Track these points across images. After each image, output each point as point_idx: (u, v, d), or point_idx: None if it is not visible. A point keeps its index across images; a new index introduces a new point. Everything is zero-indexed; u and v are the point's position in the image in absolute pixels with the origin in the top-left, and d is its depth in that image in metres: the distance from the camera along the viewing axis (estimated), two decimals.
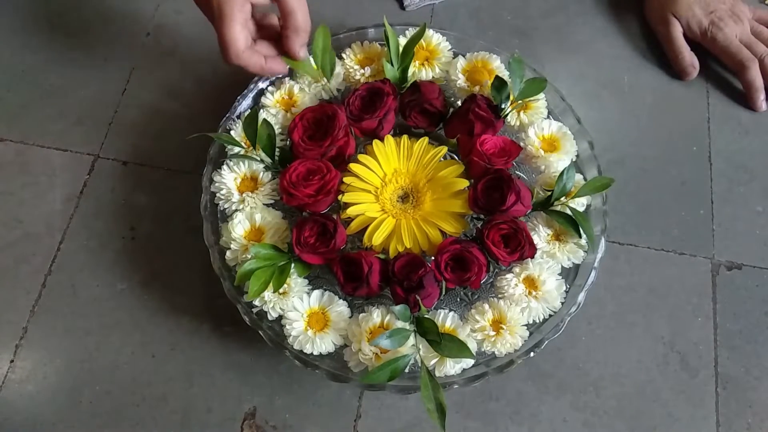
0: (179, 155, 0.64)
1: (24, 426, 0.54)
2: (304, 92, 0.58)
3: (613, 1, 0.74)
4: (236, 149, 0.55)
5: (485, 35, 0.71)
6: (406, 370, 0.49)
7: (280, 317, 0.51)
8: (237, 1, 0.50)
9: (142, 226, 0.61)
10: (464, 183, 0.54)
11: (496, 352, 0.50)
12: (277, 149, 0.55)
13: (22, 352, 0.56)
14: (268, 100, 0.58)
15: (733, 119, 0.68)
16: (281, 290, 0.50)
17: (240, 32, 0.51)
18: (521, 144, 0.56)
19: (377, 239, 0.52)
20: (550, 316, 0.52)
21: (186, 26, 0.71)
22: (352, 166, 0.55)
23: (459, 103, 0.58)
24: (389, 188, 0.55)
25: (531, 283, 0.52)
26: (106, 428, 0.54)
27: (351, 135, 0.56)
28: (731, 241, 0.62)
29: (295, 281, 0.51)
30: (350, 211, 0.53)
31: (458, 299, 0.54)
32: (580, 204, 0.55)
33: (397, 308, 0.49)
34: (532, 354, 0.51)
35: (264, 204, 0.54)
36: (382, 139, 0.56)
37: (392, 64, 0.58)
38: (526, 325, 0.51)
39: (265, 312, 0.51)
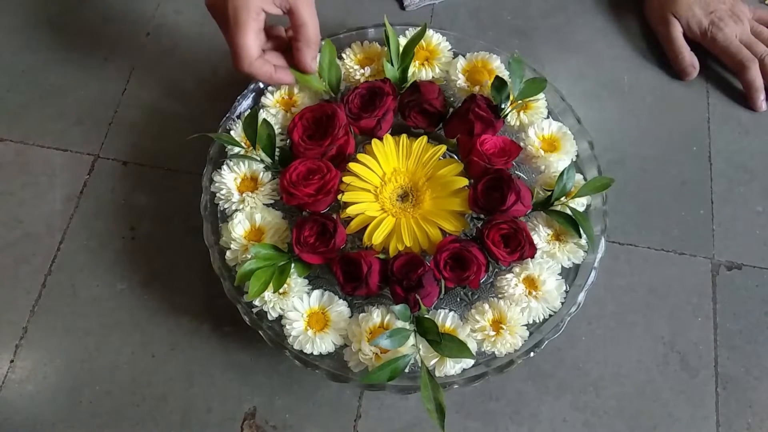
0: (179, 155, 0.64)
1: (24, 426, 0.54)
2: (304, 92, 0.59)
3: (613, 1, 0.74)
4: (236, 149, 0.55)
5: (485, 35, 0.71)
6: (406, 370, 0.49)
7: (280, 317, 0.51)
8: (252, 10, 0.50)
9: (142, 226, 0.61)
10: (463, 181, 0.54)
11: (496, 352, 0.50)
12: (277, 149, 0.55)
13: (22, 352, 0.56)
14: (268, 100, 0.58)
15: (733, 119, 0.68)
16: (281, 290, 0.50)
17: (254, 40, 0.51)
18: (521, 144, 0.56)
19: (377, 238, 0.52)
20: (550, 316, 0.52)
21: (186, 26, 0.71)
22: (352, 165, 0.55)
23: (459, 103, 0.58)
24: (389, 187, 0.55)
25: (531, 283, 0.52)
26: (106, 428, 0.54)
27: (351, 134, 0.56)
28: (731, 241, 0.62)
29: (295, 281, 0.51)
30: (350, 211, 0.53)
31: (458, 299, 0.54)
32: (580, 204, 0.55)
33: (397, 308, 0.49)
34: (532, 354, 0.51)
35: (264, 204, 0.54)
36: (380, 139, 0.56)
37: (392, 64, 0.58)
38: (526, 325, 0.51)
39: (265, 312, 0.51)
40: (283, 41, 0.56)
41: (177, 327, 0.57)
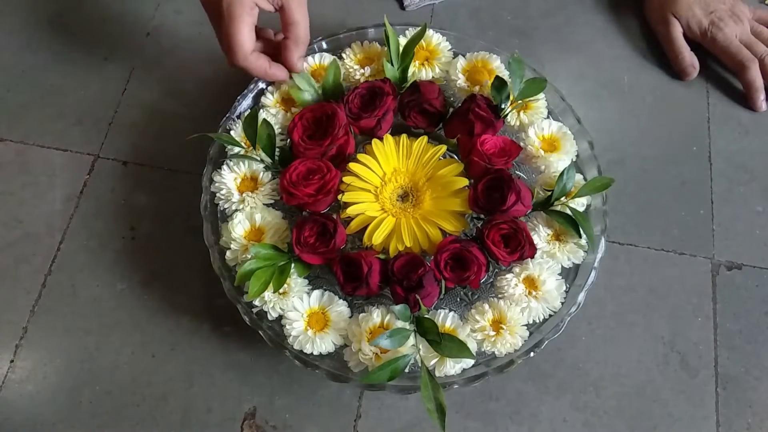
0: (179, 155, 0.64)
1: (24, 426, 0.54)
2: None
3: (613, 1, 0.74)
4: (236, 149, 0.55)
5: (485, 35, 0.71)
6: (406, 370, 0.49)
7: (280, 317, 0.51)
8: (246, 5, 0.51)
9: (142, 226, 0.61)
10: (464, 182, 0.54)
11: (496, 352, 0.50)
12: (277, 149, 0.55)
13: (22, 352, 0.56)
14: (268, 100, 0.58)
15: (733, 119, 0.68)
16: (281, 290, 0.50)
17: (248, 34, 0.51)
18: (521, 144, 0.56)
19: (377, 238, 0.52)
20: (550, 316, 0.52)
21: (186, 26, 0.71)
22: (352, 165, 0.55)
23: (459, 103, 0.58)
24: (389, 187, 0.55)
25: (531, 283, 0.52)
26: (106, 428, 0.54)
27: (351, 134, 0.56)
28: (731, 241, 0.62)
29: (295, 281, 0.51)
30: (350, 211, 0.53)
31: (458, 299, 0.54)
32: (580, 204, 0.55)
33: (397, 308, 0.49)
34: (532, 354, 0.51)
35: (264, 204, 0.54)
36: (380, 139, 0.56)
37: (392, 64, 0.58)
38: (526, 325, 0.51)
39: (265, 312, 0.51)
40: (272, 44, 0.57)
41: (177, 327, 0.57)
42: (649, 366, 0.57)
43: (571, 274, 0.54)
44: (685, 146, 0.67)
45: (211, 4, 0.52)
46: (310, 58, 0.60)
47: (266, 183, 0.54)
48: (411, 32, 0.59)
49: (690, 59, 0.68)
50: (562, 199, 0.54)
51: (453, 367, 0.49)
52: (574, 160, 0.57)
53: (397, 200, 0.55)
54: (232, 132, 0.56)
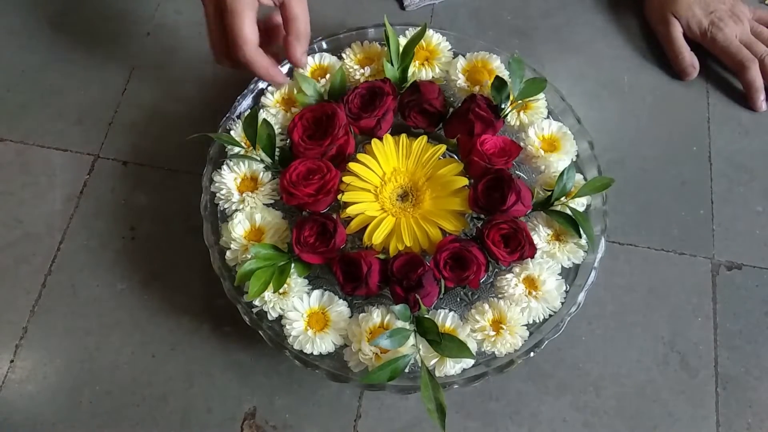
0: (179, 155, 0.64)
1: (24, 426, 0.54)
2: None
3: (613, 1, 0.74)
4: (236, 149, 0.55)
5: (485, 35, 0.71)
6: (406, 370, 0.49)
7: (280, 317, 0.51)
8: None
9: (142, 226, 0.61)
10: (463, 181, 0.54)
11: (496, 352, 0.50)
12: (277, 149, 0.55)
13: (22, 352, 0.56)
14: (268, 100, 0.58)
15: (733, 119, 0.68)
16: (281, 290, 0.50)
17: (252, 28, 0.51)
18: (521, 144, 0.56)
19: (377, 238, 0.52)
20: (550, 316, 0.52)
21: (186, 26, 0.71)
22: (352, 165, 0.55)
23: (459, 103, 0.58)
24: (388, 187, 0.55)
25: (531, 283, 0.52)
26: (106, 428, 0.54)
27: (351, 134, 0.56)
28: (731, 241, 0.62)
29: (295, 281, 0.51)
30: (350, 210, 0.53)
31: (458, 299, 0.54)
32: (580, 204, 0.55)
33: (397, 308, 0.49)
34: (532, 354, 0.50)
35: (264, 204, 0.54)
36: (380, 139, 0.56)
37: (392, 64, 0.58)
38: (526, 325, 0.51)
39: (265, 312, 0.51)
40: (277, 32, 0.56)
41: (177, 327, 0.57)
42: (649, 366, 0.57)
43: (571, 274, 0.54)
44: (685, 146, 0.67)
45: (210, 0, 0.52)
46: (310, 58, 0.60)
47: (266, 183, 0.54)
48: (411, 32, 0.59)
49: (690, 59, 0.68)
50: (562, 199, 0.54)
51: (453, 367, 0.49)
52: (574, 160, 0.57)
53: (397, 200, 0.55)
54: (232, 132, 0.56)
